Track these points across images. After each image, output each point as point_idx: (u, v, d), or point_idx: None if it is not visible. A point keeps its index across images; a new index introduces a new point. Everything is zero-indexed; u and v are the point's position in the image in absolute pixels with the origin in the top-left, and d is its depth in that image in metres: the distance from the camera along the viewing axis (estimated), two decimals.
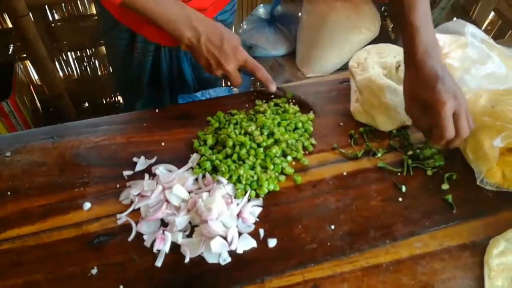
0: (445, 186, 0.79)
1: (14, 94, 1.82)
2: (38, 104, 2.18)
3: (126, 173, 0.79)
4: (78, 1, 1.98)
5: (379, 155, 0.84)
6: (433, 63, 0.75)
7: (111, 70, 1.21)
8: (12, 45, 2.00)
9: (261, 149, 0.81)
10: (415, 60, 0.76)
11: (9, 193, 0.76)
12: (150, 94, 1.17)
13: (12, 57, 1.98)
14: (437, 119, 0.73)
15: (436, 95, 0.72)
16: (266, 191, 0.77)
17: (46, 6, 1.93)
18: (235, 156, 0.80)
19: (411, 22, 0.76)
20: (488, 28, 1.88)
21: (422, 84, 0.75)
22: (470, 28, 0.84)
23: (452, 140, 0.75)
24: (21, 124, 1.88)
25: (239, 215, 0.73)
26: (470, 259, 0.70)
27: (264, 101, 0.95)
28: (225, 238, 0.70)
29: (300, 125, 0.87)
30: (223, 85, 1.27)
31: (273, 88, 0.91)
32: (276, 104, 0.93)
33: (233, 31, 2.40)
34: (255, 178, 0.78)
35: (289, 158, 0.82)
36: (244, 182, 0.77)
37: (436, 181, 0.80)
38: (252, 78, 2.27)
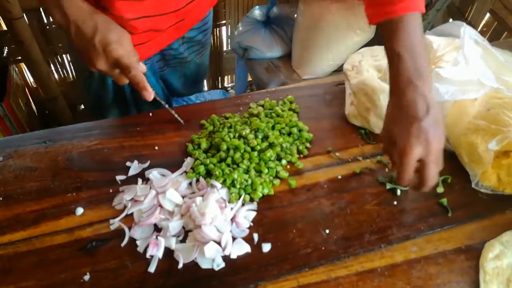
0: (440, 190, 0.79)
1: (9, 97, 1.80)
2: (34, 107, 2.17)
3: (119, 177, 0.79)
4: None
5: (374, 158, 0.84)
6: (415, 96, 0.66)
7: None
8: (6, 47, 1.99)
9: (256, 153, 0.81)
10: (397, 90, 0.69)
11: (1, 198, 0.76)
12: (117, 111, 1.10)
13: (7, 60, 1.96)
14: (399, 162, 0.67)
15: (405, 137, 0.66)
16: (261, 195, 0.76)
17: (41, 9, 1.92)
18: (229, 160, 0.79)
19: (394, 49, 0.68)
20: (484, 29, 1.88)
21: (399, 119, 0.68)
22: (467, 29, 0.83)
23: (417, 187, 0.69)
24: (16, 127, 1.87)
25: (233, 219, 0.73)
26: (466, 263, 0.70)
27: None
28: (219, 243, 0.69)
29: (295, 130, 0.87)
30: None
31: (148, 96, 0.78)
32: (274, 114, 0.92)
33: (224, 36, 2.36)
34: (249, 182, 0.77)
35: (284, 161, 0.82)
36: (238, 186, 0.76)
37: None
38: (248, 80, 2.27)
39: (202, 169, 0.78)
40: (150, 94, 0.78)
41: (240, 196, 0.76)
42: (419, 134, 0.65)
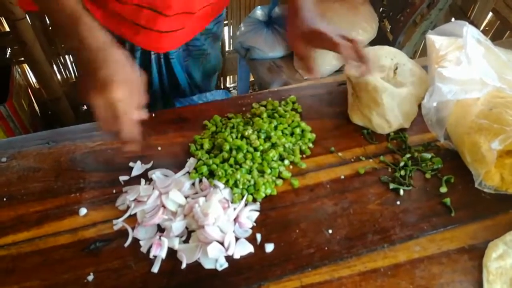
0: (443, 189, 0.79)
1: (12, 98, 1.81)
2: (36, 108, 2.18)
3: (122, 178, 0.79)
4: None
5: (377, 158, 0.84)
6: (311, 8, 0.88)
7: None
8: (9, 48, 2.00)
9: (258, 153, 0.81)
10: (297, 5, 0.88)
11: (4, 199, 0.76)
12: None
13: (10, 61, 1.97)
14: (334, 45, 0.82)
15: (321, 27, 0.84)
16: (263, 195, 0.76)
17: None
18: (232, 160, 0.80)
19: None
20: (487, 28, 1.88)
21: (305, 23, 0.86)
22: (470, 28, 0.83)
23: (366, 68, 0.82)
24: (19, 128, 1.88)
25: (236, 220, 0.73)
26: (469, 263, 0.69)
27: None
28: (222, 243, 0.69)
29: (298, 130, 0.87)
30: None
31: (127, 148, 0.72)
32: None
33: (226, 36, 2.38)
34: (252, 182, 0.77)
35: (286, 162, 0.82)
36: (241, 187, 0.76)
37: (434, 184, 0.80)
38: (251, 80, 2.27)
39: (205, 169, 0.78)
40: (129, 148, 0.71)
41: (243, 197, 0.76)
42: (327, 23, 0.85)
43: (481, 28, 1.82)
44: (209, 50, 1.17)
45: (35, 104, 2.17)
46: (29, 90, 2.12)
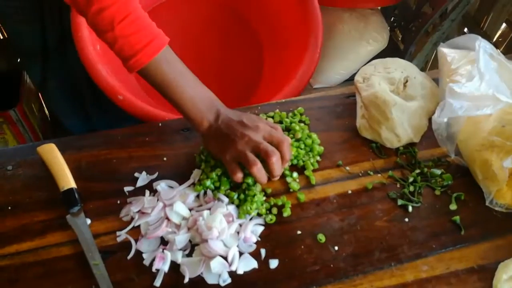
0: (453, 207, 0.77)
1: (22, 102, 1.82)
2: (47, 112, 2.19)
3: (127, 188, 0.78)
4: None
5: (385, 173, 0.82)
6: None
7: None
8: None
9: None
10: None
11: (9, 207, 0.76)
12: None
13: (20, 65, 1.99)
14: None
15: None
16: None
17: None
18: None
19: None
20: (500, 39, 1.85)
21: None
22: (482, 43, 0.82)
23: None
24: (29, 132, 1.89)
25: (240, 234, 0.72)
26: (478, 284, 0.68)
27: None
28: (225, 258, 0.68)
29: (308, 142, 0.85)
30: None
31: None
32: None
33: None
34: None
35: (295, 174, 0.81)
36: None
37: (444, 201, 0.78)
38: None
39: (208, 183, 0.77)
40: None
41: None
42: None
43: (494, 39, 1.79)
44: None
45: (45, 109, 2.19)
46: (39, 94, 2.14)
